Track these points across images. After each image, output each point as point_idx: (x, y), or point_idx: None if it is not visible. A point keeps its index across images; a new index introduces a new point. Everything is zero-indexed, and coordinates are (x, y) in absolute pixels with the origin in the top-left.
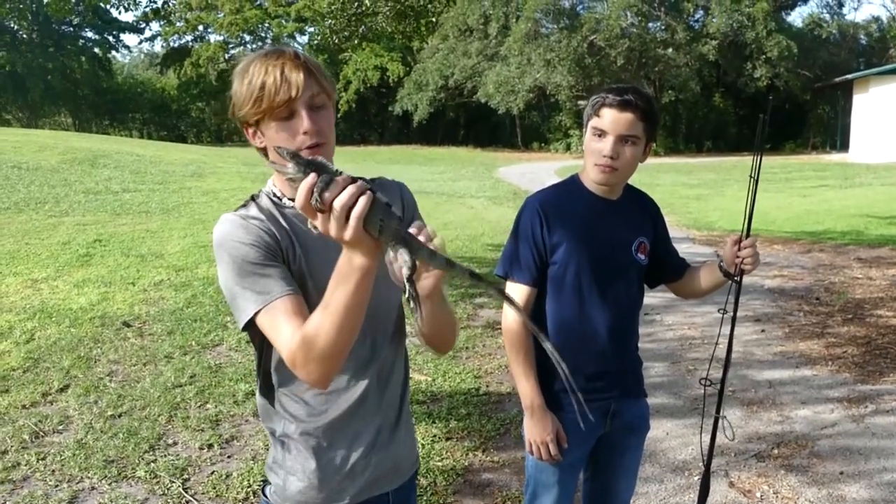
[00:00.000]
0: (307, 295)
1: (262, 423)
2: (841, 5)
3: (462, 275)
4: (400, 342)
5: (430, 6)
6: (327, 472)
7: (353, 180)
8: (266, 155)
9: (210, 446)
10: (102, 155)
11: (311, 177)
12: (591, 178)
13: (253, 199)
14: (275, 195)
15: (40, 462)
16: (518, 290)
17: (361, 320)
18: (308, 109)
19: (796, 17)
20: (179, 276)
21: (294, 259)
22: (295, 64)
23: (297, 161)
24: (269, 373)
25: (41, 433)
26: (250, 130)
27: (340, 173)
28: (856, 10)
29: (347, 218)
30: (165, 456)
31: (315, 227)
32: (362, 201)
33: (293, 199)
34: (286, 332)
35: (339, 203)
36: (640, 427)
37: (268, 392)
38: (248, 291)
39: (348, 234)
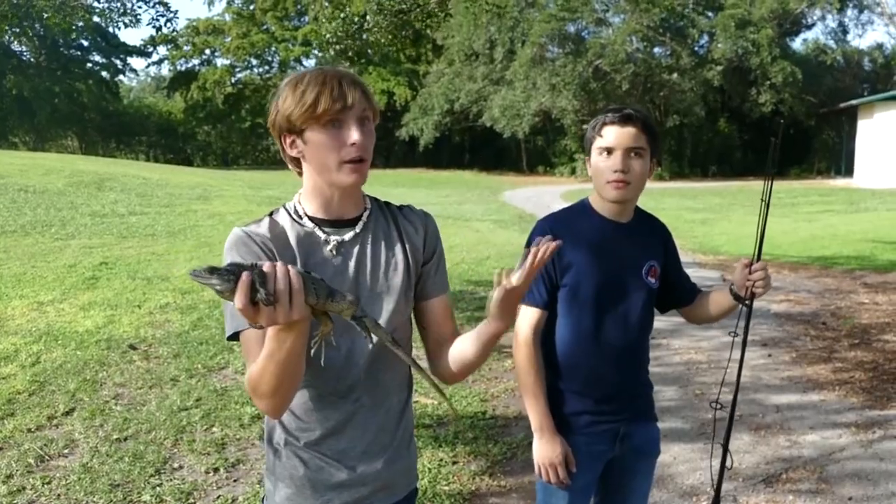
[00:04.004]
0: None
1: (265, 425)
2: (845, 32)
3: (374, 327)
4: (399, 368)
5: (428, 21)
6: (314, 482)
7: (273, 266)
8: (299, 166)
9: (216, 470)
10: (109, 178)
11: (246, 275)
12: (606, 198)
13: (271, 214)
14: (295, 212)
15: (45, 486)
16: (529, 313)
17: (302, 367)
18: (358, 123)
19: (801, 44)
20: (185, 299)
21: None
22: (353, 80)
23: (219, 273)
24: None
25: (46, 457)
26: (289, 140)
27: (256, 265)
28: (860, 36)
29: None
30: (171, 480)
31: (259, 325)
32: (296, 278)
33: (312, 218)
34: (250, 360)
35: (282, 287)
36: (651, 451)
37: None
38: (234, 308)
39: (296, 313)
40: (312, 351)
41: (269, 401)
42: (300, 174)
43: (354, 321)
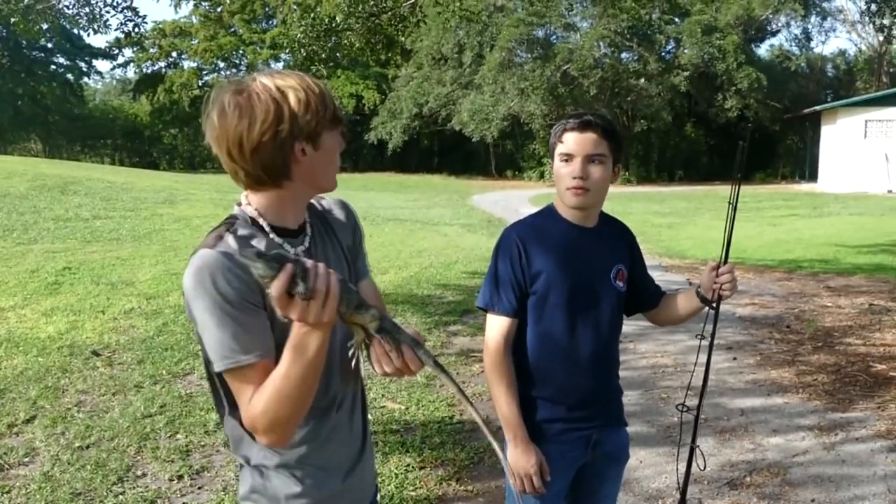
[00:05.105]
0: (280, 334)
1: (234, 451)
2: (809, 38)
3: (406, 341)
4: (358, 374)
5: (400, 26)
6: (309, 497)
7: (315, 264)
8: (277, 176)
9: (180, 477)
10: (73, 181)
11: (289, 267)
12: (566, 203)
13: (230, 230)
14: (256, 225)
15: (5, 496)
16: (499, 322)
17: (317, 383)
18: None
19: (766, 50)
20: (150, 305)
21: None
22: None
23: (265, 259)
24: None
25: (6, 466)
26: (300, 147)
27: (298, 259)
28: (824, 43)
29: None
30: (134, 488)
31: (286, 317)
32: (335, 283)
33: (274, 228)
34: (248, 395)
35: (321, 287)
36: (621, 457)
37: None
38: (225, 338)
39: (327, 315)
40: (353, 363)
41: (283, 429)
42: (274, 186)
43: (380, 334)
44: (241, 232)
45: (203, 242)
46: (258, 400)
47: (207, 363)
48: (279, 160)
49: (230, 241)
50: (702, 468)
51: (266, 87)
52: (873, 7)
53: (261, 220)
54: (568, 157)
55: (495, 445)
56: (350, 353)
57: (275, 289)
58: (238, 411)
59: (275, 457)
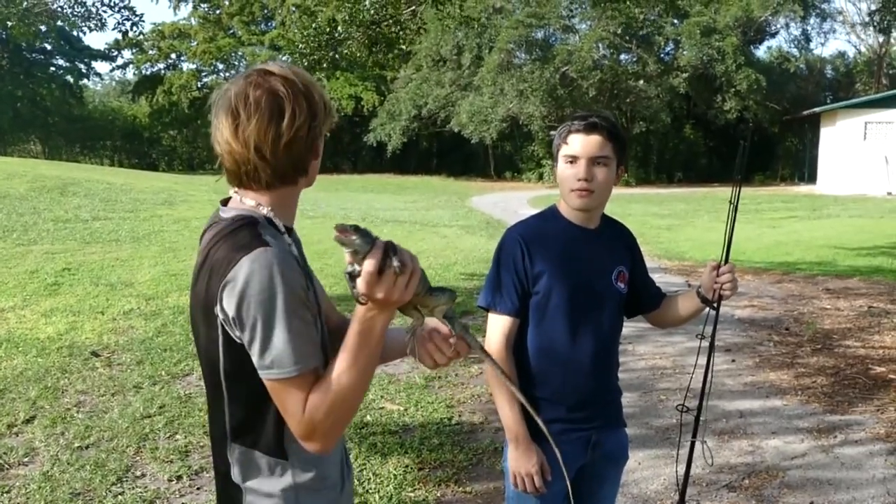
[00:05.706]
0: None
1: (242, 481)
2: (808, 40)
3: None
4: None
5: (401, 33)
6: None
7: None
8: (296, 173)
9: (179, 478)
10: (72, 183)
11: (381, 242)
12: (570, 205)
13: (259, 234)
14: (273, 225)
15: (5, 496)
16: (501, 321)
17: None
18: None
19: (765, 52)
20: (149, 305)
21: (314, 297)
22: None
23: (361, 233)
24: (280, 423)
25: (6, 466)
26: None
27: (377, 236)
28: (823, 44)
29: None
30: (133, 488)
31: (364, 296)
32: (417, 262)
33: (288, 231)
34: (300, 403)
35: (409, 264)
36: (620, 457)
37: (276, 445)
38: (297, 341)
39: (409, 293)
40: (409, 348)
41: (339, 430)
42: (292, 183)
43: (447, 319)
44: (271, 233)
45: (241, 243)
46: (320, 402)
47: (229, 375)
48: (307, 155)
49: (271, 240)
50: (710, 464)
51: (291, 81)
52: (876, 18)
53: (276, 221)
54: (573, 159)
55: (541, 424)
56: (406, 338)
57: (370, 264)
58: (244, 436)
59: (308, 472)
